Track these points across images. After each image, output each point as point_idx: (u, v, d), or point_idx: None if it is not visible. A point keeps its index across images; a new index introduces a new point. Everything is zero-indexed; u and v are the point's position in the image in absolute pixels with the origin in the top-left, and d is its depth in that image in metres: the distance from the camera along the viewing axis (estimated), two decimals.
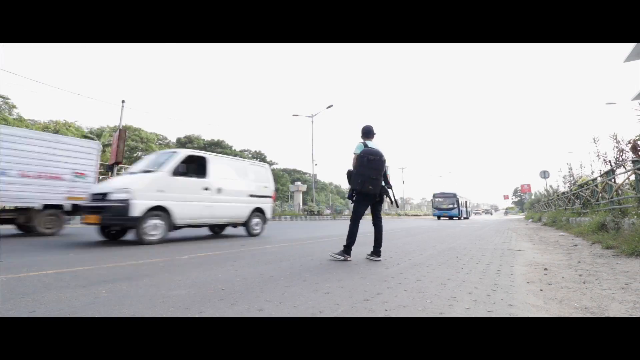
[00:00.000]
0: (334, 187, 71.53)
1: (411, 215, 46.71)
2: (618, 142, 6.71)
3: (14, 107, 26.87)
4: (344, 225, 13.10)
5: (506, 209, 70.08)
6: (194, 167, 5.71)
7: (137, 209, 4.60)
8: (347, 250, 3.39)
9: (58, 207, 6.04)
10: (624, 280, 2.49)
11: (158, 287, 2.13)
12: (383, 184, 3.49)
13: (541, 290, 2.24)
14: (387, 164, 3.51)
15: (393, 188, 3.68)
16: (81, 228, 9.26)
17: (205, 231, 7.62)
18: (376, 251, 3.53)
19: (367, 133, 3.63)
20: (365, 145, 3.47)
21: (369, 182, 3.29)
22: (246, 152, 52.13)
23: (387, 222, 19.45)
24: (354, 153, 3.46)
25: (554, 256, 4.01)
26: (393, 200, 3.71)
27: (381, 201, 3.62)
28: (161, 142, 42.89)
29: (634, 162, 5.35)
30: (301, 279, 2.47)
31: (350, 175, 3.49)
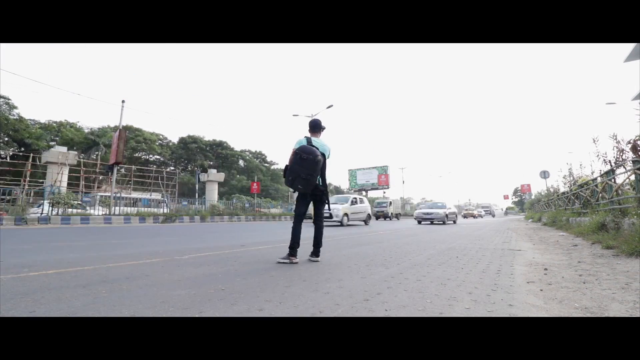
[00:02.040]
0: (334, 188, 71.53)
1: (411, 216, 46.68)
2: (618, 142, 6.71)
3: (15, 107, 26.88)
4: (343, 225, 13.08)
5: (473, 209, 36.10)
6: None
7: None
8: (291, 252, 3.26)
9: None
10: (624, 280, 2.49)
11: (158, 287, 2.13)
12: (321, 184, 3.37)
13: (541, 290, 2.24)
14: (326, 162, 3.41)
15: (327, 190, 3.50)
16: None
17: (205, 231, 7.60)
18: (315, 251, 3.46)
19: (313, 127, 3.49)
20: (309, 141, 3.34)
21: (298, 180, 3.17)
22: (246, 152, 52.14)
23: (387, 221, 19.42)
24: (293, 148, 3.32)
25: (554, 256, 4.01)
26: (326, 202, 3.57)
27: (322, 201, 3.50)
28: (161, 142, 42.90)
29: (634, 162, 5.34)
30: (301, 279, 2.47)
31: (285, 171, 3.36)
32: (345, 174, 48.84)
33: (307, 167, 3.16)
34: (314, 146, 3.30)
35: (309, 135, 3.49)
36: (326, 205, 3.58)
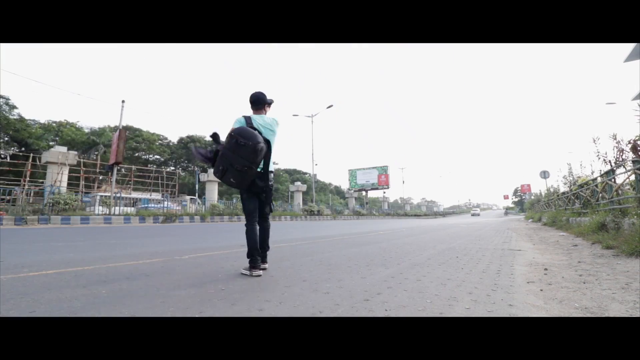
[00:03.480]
0: (334, 187, 71.54)
1: (411, 216, 46.73)
2: (618, 142, 6.71)
3: (15, 107, 26.87)
4: (344, 225, 13.09)
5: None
6: None
7: None
8: (252, 261, 2.59)
9: None
10: (624, 280, 2.49)
11: (158, 287, 2.13)
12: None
13: (541, 290, 2.24)
14: (270, 152, 2.63)
15: (272, 189, 2.78)
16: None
17: (204, 231, 7.59)
18: (263, 256, 2.79)
19: (255, 102, 2.74)
20: (248, 121, 2.62)
21: (230, 172, 2.45)
22: None
23: (387, 222, 19.41)
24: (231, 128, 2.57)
25: (554, 256, 4.01)
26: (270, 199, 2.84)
27: (269, 193, 2.75)
28: (161, 142, 42.88)
29: (634, 162, 5.34)
30: (301, 279, 2.47)
31: (214, 156, 2.60)
32: (346, 174, 48.91)
33: (243, 157, 2.41)
34: (255, 128, 2.58)
35: (250, 113, 2.76)
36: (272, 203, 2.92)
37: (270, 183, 2.70)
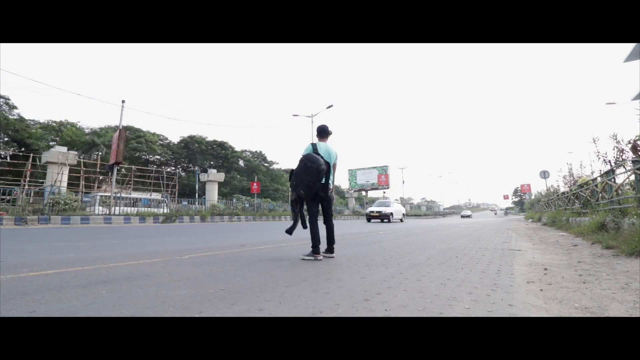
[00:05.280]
0: (334, 187, 71.48)
1: (411, 216, 46.74)
2: (618, 142, 6.71)
3: (15, 107, 26.88)
4: (343, 225, 13.08)
5: None
6: None
7: None
8: (315, 250, 3.49)
9: None
10: (624, 280, 2.49)
11: (158, 287, 2.13)
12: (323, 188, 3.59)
13: (541, 290, 2.24)
14: (334, 167, 3.74)
15: (332, 198, 3.79)
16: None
17: (204, 231, 7.59)
18: (329, 248, 3.73)
19: (320, 132, 3.82)
20: (315, 148, 3.61)
21: (301, 186, 3.44)
22: (246, 152, 52.09)
23: (387, 222, 19.40)
24: (302, 154, 3.63)
25: (554, 256, 4.01)
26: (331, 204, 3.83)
27: (330, 202, 3.75)
28: (162, 142, 42.88)
29: (634, 162, 5.34)
30: (301, 279, 2.47)
31: (290, 175, 3.65)
32: (346, 174, 48.87)
33: (310, 175, 3.41)
34: (319, 154, 3.55)
35: (316, 140, 3.77)
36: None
37: (330, 194, 3.65)
